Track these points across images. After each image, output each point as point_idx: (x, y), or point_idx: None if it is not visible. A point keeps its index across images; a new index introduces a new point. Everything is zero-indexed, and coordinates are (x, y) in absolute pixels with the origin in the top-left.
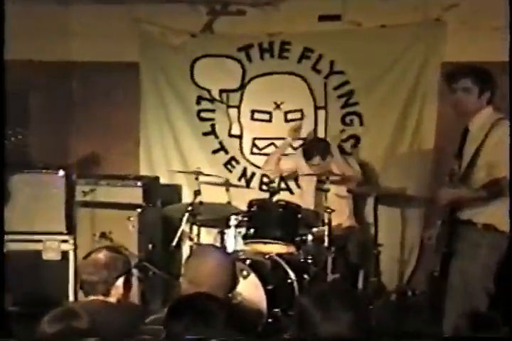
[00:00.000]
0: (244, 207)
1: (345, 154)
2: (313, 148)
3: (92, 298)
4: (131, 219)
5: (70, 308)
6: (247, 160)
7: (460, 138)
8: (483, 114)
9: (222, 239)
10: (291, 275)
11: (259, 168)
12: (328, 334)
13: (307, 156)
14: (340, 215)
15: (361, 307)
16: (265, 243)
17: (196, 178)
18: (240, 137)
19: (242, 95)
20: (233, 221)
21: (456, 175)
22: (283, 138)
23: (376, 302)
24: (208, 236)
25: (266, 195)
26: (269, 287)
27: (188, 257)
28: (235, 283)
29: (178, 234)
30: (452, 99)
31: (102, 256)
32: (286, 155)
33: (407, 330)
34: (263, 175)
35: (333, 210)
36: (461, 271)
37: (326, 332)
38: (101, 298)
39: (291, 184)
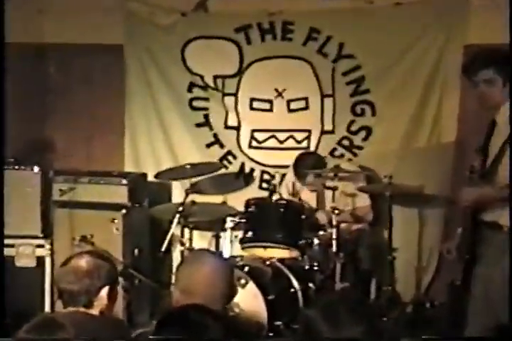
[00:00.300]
0: (241, 208)
1: (355, 148)
2: (303, 166)
3: (71, 309)
4: (115, 221)
5: (51, 318)
6: (245, 155)
7: (486, 131)
8: (507, 105)
9: (217, 244)
10: (295, 283)
11: (258, 163)
12: None
13: (299, 176)
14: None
15: (373, 319)
16: (265, 247)
17: (188, 178)
18: (237, 129)
19: (239, 81)
20: (229, 223)
21: (477, 173)
22: (285, 130)
23: (390, 315)
24: (201, 240)
25: (265, 194)
26: (270, 297)
27: (180, 264)
28: (233, 292)
29: (168, 238)
30: (475, 93)
31: (83, 262)
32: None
33: None
34: (263, 172)
35: (341, 210)
36: (485, 279)
37: None
38: (82, 309)
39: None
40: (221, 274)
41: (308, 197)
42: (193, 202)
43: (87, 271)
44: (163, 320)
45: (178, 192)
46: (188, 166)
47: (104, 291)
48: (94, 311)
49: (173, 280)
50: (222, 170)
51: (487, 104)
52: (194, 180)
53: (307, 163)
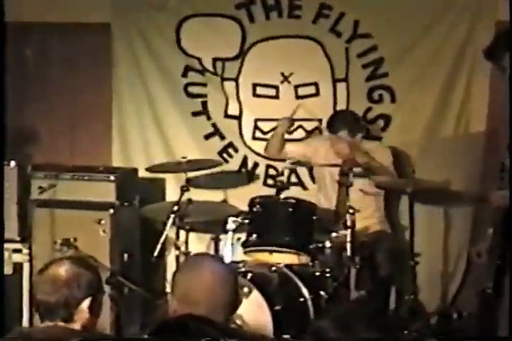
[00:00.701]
0: (244, 207)
1: (373, 139)
2: (339, 118)
3: (49, 323)
4: (102, 222)
5: (26, 333)
6: (248, 147)
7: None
8: None
9: (217, 247)
10: (304, 292)
11: (263, 157)
12: None
13: (332, 128)
14: (367, 216)
15: (394, 332)
16: (271, 252)
17: (184, 171)
18: (238, 118)
19: (241, 65)
20: (231, 224)
21: (508, 172)
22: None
23: (412, 327)
24: (198, 243)
25: (272, 192)
26: (277, 307)
27: (178, 269)
28: (237, 302)
29: (161, 241)
30: (504, 80)
31: (62, 271)
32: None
33: None
34: (269, 166)
35: (357, 210)
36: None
37: None
38: (61, 324)
39: (304, 177)
40: (224, 281)
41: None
42: (190, 201)
43: (66, 280)
44: (157, 330)
45: (172, 189)
46: (184, 160)
47: (86, 303)
48: (76, 325)
49: (167, 289)
50: (223, 166)
51: None
52: (191, 174)
53: (346, 117)
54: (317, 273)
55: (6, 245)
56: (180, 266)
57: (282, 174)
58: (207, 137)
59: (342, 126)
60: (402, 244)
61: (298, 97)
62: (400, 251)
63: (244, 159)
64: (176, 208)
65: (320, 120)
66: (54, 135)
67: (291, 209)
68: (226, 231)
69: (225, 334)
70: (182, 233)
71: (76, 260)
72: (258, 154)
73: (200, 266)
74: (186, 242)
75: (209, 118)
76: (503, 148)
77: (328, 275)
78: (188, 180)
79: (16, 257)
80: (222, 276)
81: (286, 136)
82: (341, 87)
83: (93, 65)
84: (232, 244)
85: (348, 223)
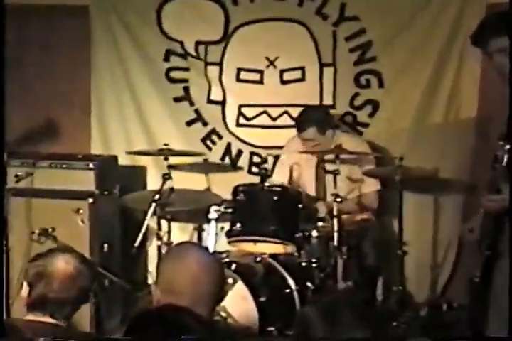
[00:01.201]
0: (228, 195)
1: (359, 126)
2: (307, 116)
3: (35, 318)
4: (81, 211)
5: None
6: (232, 134)
7: (509, 112)
8: None
9: (200, 237)
10: (290, 283)
11: (247, 143)
12: None
13: (299, 127)
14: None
15: (381, 324)
16: (256, 241)
17: (165, 158)
18: (222, 104)
19: (224, 49)
20: (214, 213)
21: (502, 164)
22: (278, 105)
23: (401, 318)
24: (181, 233)
25: (256, 180)
26: (262, 299)
27: (162, 259)
28: (223, 292)
29: (143, 231)
30: (491, 66)
31: (67, 266)
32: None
33: None
34: (253, 154)
35: (344, 198)
36: (506, 275)
37: None
38: (50, 320)
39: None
40: (209, 270)
41: (308, 183)
42: (172, 189)
43: (75, 276)
44: (136, 322)
45: (154, 177)
46: (165, 147)
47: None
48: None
49: (149, 280)
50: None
51: (507, 77)
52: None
53: (313, 114)
54: (303, 264)
55: None
56: (164, 255)
57: (266, 161)
58: (189, 123)
59: (310, 124)
60: (390, 234)
61: (283, 82)
62: (388, 241)
63: (228, 146)
64: (157, 197)
65: (306, 105)
66: (30, 122)
67: (276, 198)
68: (209, 221)
69: (206, 325)
70: (164, 223)
71: (72, 252)
72: (242, 141)
73: (184, 255)
74: (168, 232)
75: (191, 104)
76: (495, 136)
77: (314, 265)
78: (170, 166)
79: None
80: (207, 265)
81: (270, 123)
82: (328, 71)
83: (70, 50)
84: (216, 234)
85: (335, 212)
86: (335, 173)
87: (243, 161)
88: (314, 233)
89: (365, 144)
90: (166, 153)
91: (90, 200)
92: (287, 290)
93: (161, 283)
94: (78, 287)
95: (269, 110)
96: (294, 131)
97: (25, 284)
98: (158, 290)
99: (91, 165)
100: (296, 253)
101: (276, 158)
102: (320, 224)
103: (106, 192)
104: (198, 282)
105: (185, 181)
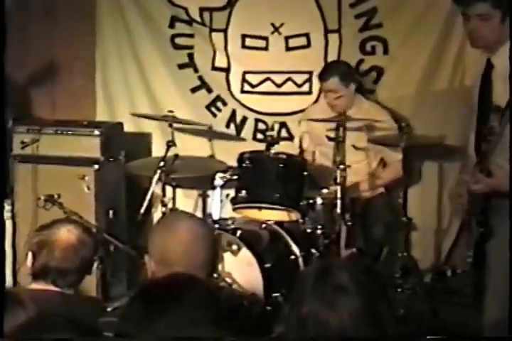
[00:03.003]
0: (233, 162)
1: (364, 92)
2: (332, 67)
3: (40, 286)
4: (86, 178)
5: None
6: (237, 101)
7: (482, 73)
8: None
9: (205, 204)
10: (295, 249)
11: (251, 110)
12: (334, 329)
13: (322, 78)
14: (359, 172)
15: (385, 291)
16: (261, 208)
17: (170, 125)
18: (226, 70)
19: (229, 15)
20: (219, 180)
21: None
22: (283, 72)
23: (405, 285)
24: (186, 200)
25: (262, 147)
26: (267, 265)
27: (153, 230)
28: (217, 259)
29: (148, 198)
30: (465, 28)
31: (69, 236)
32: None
33: (446, 322)
34: (258, 121)
35: (347, 166)
36: (502, 253)
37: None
38: (54, 288)
39: (296, 131)
40: (201, 238)
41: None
42: (176, 156)
43: (77, 245)
44: (141, 294)
45: (158, 144)
46: (170, 114)
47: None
48: (70, 290)
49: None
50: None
51: (478, 43)
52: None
53: (337, 66)
54: (308, 230)
55: None
56: (154, 226)
57: (272, 128)
58: (194, 90)
59: (333, 73)
60: (395, 201)
61: (288, 49)
62: (392, 208)
63: (233, 113)
64: (162, 164)
65: (311, 72)
66: (34, 88)
67: (281, 165)
68: (214, 188)
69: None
70: (169, 189)
71: (76, 223)
72: (247, 107)
73: (174, 225)
74: (173, 199)
75: (196, 70)
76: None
77: (319, 232)
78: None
79: None
80: (198, 233)
81: (275, 89)
82: (333, 38)
83: (74, 16)
84: (221, 201)
85: (338, 179)
86: (339, 141)
87: (248, 128)
88: (319, 200)
89: (385, 112)
90: (170, 119)
91: (96, 167)
92: (292, 257)
93: (153, 254)
94: (80, 257)
95: (274, 77)
96: (298, 98)
97: (29, 254)
98: (152, 262)
99: (96, 132)
100: (301, 220)
101: (282, 124)
102: (325, 191)
103: (111, 159)
104: (190, 251)
105: (190, 148)
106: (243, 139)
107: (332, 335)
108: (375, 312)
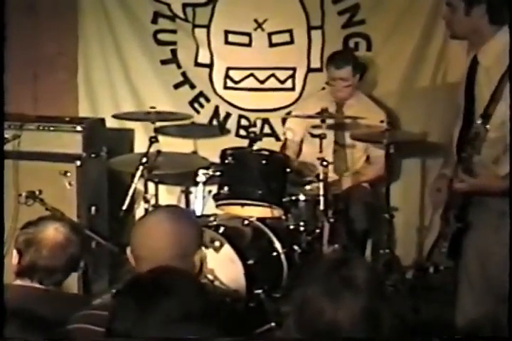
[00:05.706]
0: (215, 159)
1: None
2: (343, 55)
3: (24, 283)
4: (68, 174)
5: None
6: (220, 97)
7: (467, 70)
8: (495, 42)
9: (187, 200)
10: (278, 246)
11: (234, 106)
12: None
13: (337, 65)
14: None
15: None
16: (243, 205)
17: (152, 122)
18: (209, 66)
19: (212, 11)
20: (201, 176)
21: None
22: (266, 68)
23: (387, 281)
24: (168, 196)
25: (244, 143)
26: (250, 262)
27: (133, 230)
28: (194, 252)
29: (130, 194)
30: (444, 16)
31: (56, 233)
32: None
33: (426, 318)
34: (241, 117)
35: (330, 163)
36: (480, 252)
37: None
38: (38, 286)
39: (278, 128)
40: (179, 236)
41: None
42: (159, 152)
43: (64, 243)
44: (127, 288)
45: (141, 140)
46: (153, 110)
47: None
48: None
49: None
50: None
51: (454, 34)
52: (159, 124)
53: (348, 54)
54: (291, 227)
55: None
56: (136, 222)
57: (255, 125)
58: (176, 86)
59: (348, 62)
60: (378, 197)
61: (271, 45)
62: (375, 205)
63: (216, 109)
64: (144, 160)
65: (294, 69)
66: (15, 83)
67: (264, 161)
68: (196, 184)
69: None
70: (151, 185)
71: (62, 221)
72: (230, 104)
73: (148, 222)
74: (156, 195)
75: (179, 66)
76: None
77: (302, 229)
78: (157, 130)
79: None
80: (166, 228)
81: (258, 86)
82: (316, 34)
83: (56, 10)
84: (203, 197)
85: (321, 176)
86: (321, 138)
87: (231, 124)
88: (302, 197)
89: (381, 113)
90: (153, 118)
91: (78, 163)
92: (275, 254)
93: (133, 251)
94: (68, 255)
95: (257, 73)
96: (281, 94)
97: (14, 252)
98: (132, 259)
99: (78, 128)
100: (283, 217)
101: (265, 121)
102: (308, 188)
103: (93, 155)
104: (157, 246)
105: (172, 145)
106: (228, 131)
107: (322, 329)
108: (374, 314)
